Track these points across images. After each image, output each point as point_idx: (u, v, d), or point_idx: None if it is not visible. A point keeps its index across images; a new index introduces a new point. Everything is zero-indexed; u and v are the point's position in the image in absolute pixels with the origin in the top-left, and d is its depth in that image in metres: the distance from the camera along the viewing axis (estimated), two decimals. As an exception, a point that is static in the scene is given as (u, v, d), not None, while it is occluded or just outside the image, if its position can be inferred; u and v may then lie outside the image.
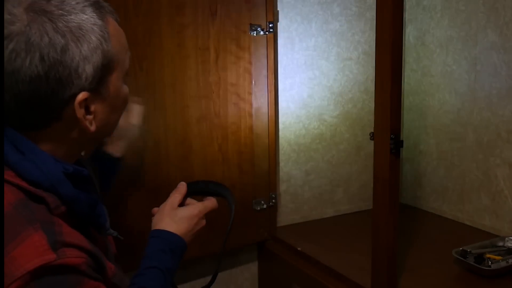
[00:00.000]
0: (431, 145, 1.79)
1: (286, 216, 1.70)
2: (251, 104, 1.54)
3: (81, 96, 0.73)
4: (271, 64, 1.57)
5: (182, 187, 1.03)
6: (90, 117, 0.77)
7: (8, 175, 0.72)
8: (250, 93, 1.54)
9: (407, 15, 1.83)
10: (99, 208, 0.81)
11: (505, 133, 1.50)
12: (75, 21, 0.71)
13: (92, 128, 0.77)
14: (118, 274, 0.84)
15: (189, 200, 1.03)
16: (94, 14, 0.73)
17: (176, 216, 0.97)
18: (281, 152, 1.65)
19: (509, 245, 1.41)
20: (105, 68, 0.75)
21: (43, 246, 0.67)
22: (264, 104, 1.56)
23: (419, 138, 1.84)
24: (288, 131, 1.65)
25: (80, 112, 0.74)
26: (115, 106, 0.81)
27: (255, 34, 1.52)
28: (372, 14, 1.73)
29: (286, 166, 1.67)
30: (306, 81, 1.66)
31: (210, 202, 1.03)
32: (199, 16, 1.42)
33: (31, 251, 0.67)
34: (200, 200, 1.04)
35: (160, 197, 1.45)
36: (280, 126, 1.64)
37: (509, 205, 1.51)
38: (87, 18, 0.72)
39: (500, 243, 1.42)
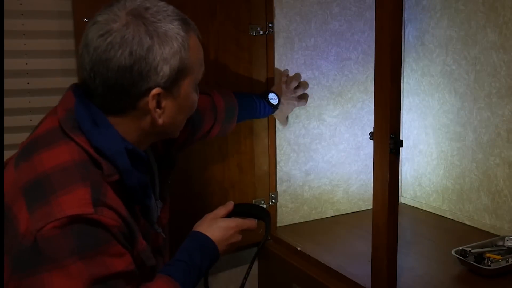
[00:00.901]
0: (431, 144, 1.79)
1: (286, 216, 1.70)
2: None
3: (155, 90, 0.87)
4: (271, 64, 1.57)
5: (229, 204, 1.14)
6: (159, 111, 0.90)
7: (80, 140, 0.85)
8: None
9: (406, 15, 1.83)
10: (148, 191, 0.94)
11: (505, 133, 1.50)
12: (163, 28, 0.86)
13: (160, 121, 0.91)
14: (148, 252, 0.93)
15: (233, 218, 1.12)
16: (180, 27, 0.88)
17: (215, 224, 1.08)
18: (280, 152, 1.65)
19: (509, 244, 1.41)
20: (180, 72, 0.89)
21: (85, 200, 0.80)
22: (264, 104, 1.56)
23: (418, 137, 1.84)
24: (288, 130, 1.65)
25: (152, 104, 0.88)
26: (182, 108, 0.95)
27: (254, 34, 1.52)
28: (371, 14, 1.73)
29: (286, 166, 1.67)
30: (306, 81, 1.66)
31: (250, 222, 1.12)
32: (198, 16, 1.42)
33: (75, 200, 0.79)
34: None
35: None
36: (280, 126, 1.64)
37: (509, 205, 1.51)
38: (173, 28, 0.87)
39: (500, 243, 1.42)
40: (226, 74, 1.49)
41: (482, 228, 1.60)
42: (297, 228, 1.69)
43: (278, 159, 1.65)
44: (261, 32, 1.53)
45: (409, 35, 1.83)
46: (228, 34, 1.48)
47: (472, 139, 1.62)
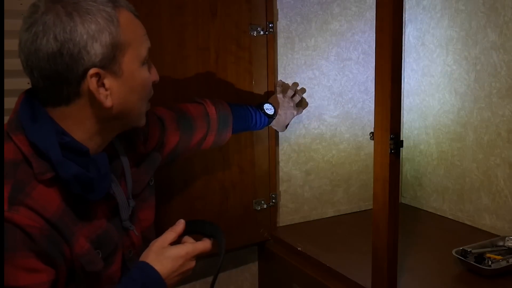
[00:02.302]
0: (431, 145, 1.79)
1: (286, 216, 1.70)
2: (251, 104, 1.54)
3: (92, 71, 0.84)
4: (271, 64, 1.57)
5: (179, 225, 1.02)
6: (105, 92, 0.87)
7: (18, 139, 0.85)
8: (250, 93, 1.54)
9: (407, 15, 1.83)
10: (93, 186, 0.88)
11: (505, 133, 1.50)
12: (85, 7, 0.83)
13: (108, 103, 0.88)
14: (90, 256, 0.89)
15: (185, 238, 1.03)
16: (105, 2, 0.85)
17: (162, 254, 0.97)
18: (281, 152, 1.65)
19: (509, 244, 1.41)
20: (115, 48, 0.86)
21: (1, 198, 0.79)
22: (264, 104, 1.56)
23: (419, 138, 1.84)
24: (288, 131, 1.65)
25: (92, 84, 0.85)
26: (132, 87, 0.91)
27: (255, 34, 1.52)
28: (372, 14, 1.73)
29: (286, 166, 1.67)
30: (306, 81, 1.66)
31: (202, 245, 1.02)
32: (199, 16, 1.42)
33: None
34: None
35: (160, 197, 1.45)
36: (280, 126, 1.64)
37: (510, 205, 1.51)
38: (96, 5, 0.84)
39: (500, 243, 1.42)
40: (227, 74, 1.49)
41: (483, 228, 1.60)
42: (297, 228, 1.69)
43: (278, 159, 1.65)
44: (262, 32, 1.53)
45: (410, 35, 1.83)
46: (229, 34, 1.48)
47: (473, 139, 1.62)
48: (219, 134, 1.32)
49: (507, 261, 1.31)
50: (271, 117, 1.47)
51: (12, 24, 1.31)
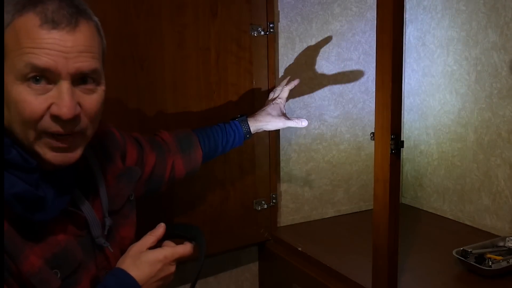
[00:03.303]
0: (432, 145, 1.79)
1: (287, 216, 1.70)
2: (252, 104, 1.54)
3: None
4: (272, 64, 1.57)
5: (159, 229, 0.97)
6: None
7: None
8: (250, 93, 1.54)
9: (407, 16, 1.83)
10: (43, 204, 0.80)
11: (506, 133, 1.50)
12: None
13: None
14: (42, 275, 0.81)
15: (166, 242, 0.97)
16: (18, 2, 0.76)
17: (139, 259, 0.91)
18: (281, 152, 1.65)
19: (510, 245, 1.41)
20: None
21: None
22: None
23: (419, 138, 1.84)
24: (289, 131, 1.65)
25: None
26: (7, 103, 0.78)
27: (255, 34, 1.52)
28: (372, 14, 1.73)
29: (287, 166, 1.67)
30: (307, 81, 1.66)
31: (182, 248, 0.96)
32: (199, 16, 1.42)
33: None
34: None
35: (160, 198, 1.46)
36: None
37: (510, 205, 1.51)
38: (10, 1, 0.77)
39: (501, 243, 1.42)
40: (227, 74, 1.49)
41: (483, 229, 1.60)
42: (297, 228, 1.69)
43: (279, 159, 1.65)
44: (262, 33, 1.53)
45: (410, 35, 1.83)
46: (229, 34, 1.48)
47: (473, 139, 1.62)
48: (187, 156, 1.24)
49: (508, 262, 1.31)
50: (242, 119, 1.36)
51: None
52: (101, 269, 0.93)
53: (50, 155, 0.81)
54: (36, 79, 0.77)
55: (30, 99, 0.77)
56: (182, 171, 1.24)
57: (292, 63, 1.63)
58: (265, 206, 1.63)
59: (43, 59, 0.76)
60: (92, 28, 0.82)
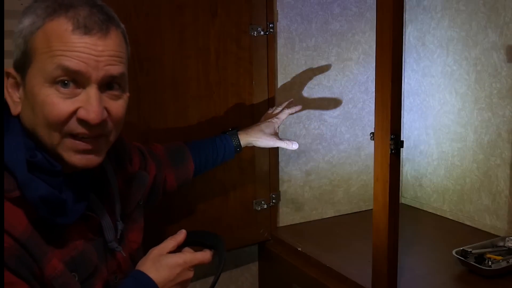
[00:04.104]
0: (432, 145, 1.79)
1: (287, 216, 1.70)
2: (251, 104, 1.54)
3: (8, 69, 0.80)
4: (272, 64, 1.57)
5: (180, 234, 0.98)
6: (17, 99, 0.81)
7: None
8: (250, 93, 1.54)
9: (407, 16, 1.83)
10: (65, 208, 0.80)
11: (506, 133, 1.50)
12: (33, 3, 0.80)
13: (13, 110, 0.81)
14: (64, 278, 0.82)
15: (185, 249, 0.98)
16: (45, 6, 0.79)
17: (159, 262, 0.92)
18: (281, 152, 1.65)
19: (510, 245, 1.41)
20: (25, 55, 0.79)
21: None
22: (265, 104, 1.56)
23: (419, 138, 1.84)
24: (289, 131, 1.65)
25: (5, 83, 0.80)
26: (32, 105, 0.80)
27: (255, 34, 1.52)
28: (372, 14, 1.73)
29: (287, 166, 1.67)
30: (306, 81, 1.66)
31: (201, 255, 0.97)
32: (199, 16, 1.42)
33: None
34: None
35: (160, 199, 1.45)
36: (281, 126, 1.63)
37: (510, 205, 1.51)
38: (37, 6, 0.79)
39: (501, 243, 1.42)
40: (227, 74, 1.49)
41: (483, 229, 1.60)
42: (297, 228, 1.69)
43: (278, 159, 1.65)
44: (262, 33, 1.53)
45: (410, 35, 1.83)
46: (229, 34, 1.48)
47: (473, 139, 1.62)
48: (179, 169, 1.25)
49: (507, 262, 1.31)
50: (233, 133, 1.36)
51: (12, 24, 1.30)
52: (111, 273, 0.93)
53: (75, 158, 0.82)
54: (64, 83, 0.78)
55: (58, 102, 0.78)
56: (174, 184, 1.25)
57: (292, 63, 1.63)
58: (265, 206, 1.63)
59: (74, 62, 0.77)
60: (120, 35, 0.85)
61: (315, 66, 1.67)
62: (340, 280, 1.34)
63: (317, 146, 1.72)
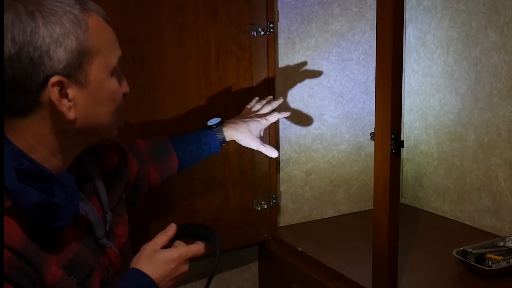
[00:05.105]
0: (432, 145, 1.79)
1: (287, 216, 1.70)
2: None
3: (54, 78, 0.76)
4: (272, 64, 1.57)
5: (170, 229, 0.99)
6: (68, 103, 0.80)
7: None
8: (251, 93, 1.54)
9: (407, 15, 1.83)
10: (57, 212, 0.80)
11: (506, 133, 1.50)
12: (49, 7, 0.76)
13: (71, 115, 0.80)
14: (64, 284, 0.82)
15: (177, 242, 0.98)
16: (73, 4, 0.78)
17: (154, 258, 0.93)
18: (281, 152, 1.65)
19: (510, 245, 1.41)
20: (82, 55, 0.79)
21: None
22: (265, 104, 1.56)
23: (419, 138, 1.84)
24: (289, 131, 1.65)
25: (54, 94, 0.77)
26: (98, 98, 0.83)
27: (255, 34, 1.52)
28: (372, 14, 1.73)
29: (287, 166, 1.67)
30: (306, 81, 1.66)
31: (195, 248, 0.98)
32: (199, 16, 1.42)
33: None
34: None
35: (159, 198, 1.46)
36: (281, 126, 1.64)
37: (510, 205, 1.51)
38: (62, 6, 0.77)
39: (501, 243, 1.42)
40: (227, 74, 1.49)
41: (483, 229, 1.60)
42: (297, 228, 1.69)
43: (279, 159, 1.65)
44: (262, 33, 1.53)
45: (410, 35, 1.83)
46: (229, 34, 1.48)
47: (473, 139, 1.62)
48: (162, 164, 1.23)
49: (508, 262, 1.31)
50: (217, 128, 1.31)
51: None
52: (103, 269, 0.93)
53: (116, 131, 0.92)
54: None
55: (117, 87, 0.87)
56: (157, 180, 1.23)
57: (292, 63, 1.63)
58: (265, 206, 1.63)
59: (120, 50, 0.87)
60: None
61: (315, 66, 1.67)
62: (340, 280, 1.34)
63: (317, 146, 1.72)
